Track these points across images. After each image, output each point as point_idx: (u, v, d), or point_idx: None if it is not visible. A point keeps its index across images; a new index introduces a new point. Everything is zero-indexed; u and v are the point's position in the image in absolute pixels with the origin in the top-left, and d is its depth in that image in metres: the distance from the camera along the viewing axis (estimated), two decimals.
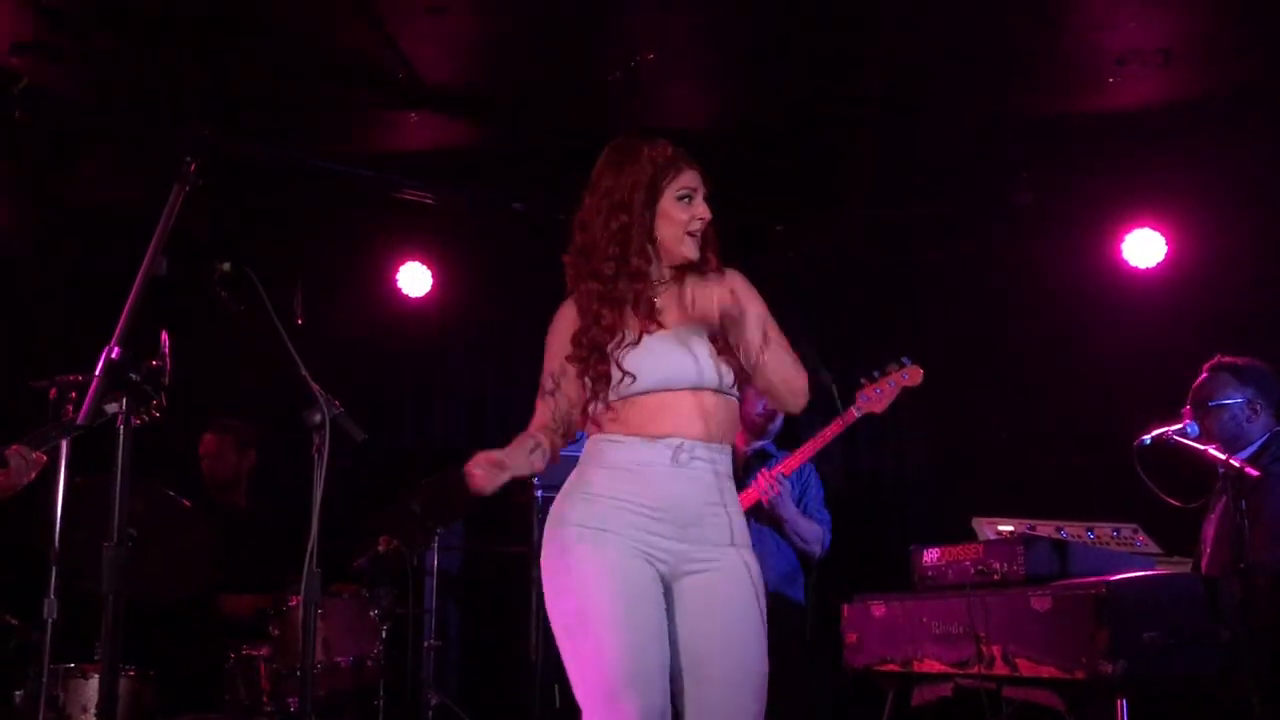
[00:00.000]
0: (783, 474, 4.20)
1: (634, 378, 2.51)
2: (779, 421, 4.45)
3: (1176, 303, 5.10)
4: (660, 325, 2.58)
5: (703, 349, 2.58)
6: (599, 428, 2.59)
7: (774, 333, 2.59)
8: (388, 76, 4.59)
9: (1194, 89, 4.73)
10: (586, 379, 2.55)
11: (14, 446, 3.21)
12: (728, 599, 2.51)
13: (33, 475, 3.25)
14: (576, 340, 2.57)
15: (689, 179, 2.60)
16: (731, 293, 2.49)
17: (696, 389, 2.55)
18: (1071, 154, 5.09)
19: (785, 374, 2.58)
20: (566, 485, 2.59)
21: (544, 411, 2.63)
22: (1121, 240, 5.24)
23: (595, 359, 2.53)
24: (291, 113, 4.83)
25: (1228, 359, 3.82)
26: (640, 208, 2.55)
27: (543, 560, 2.55)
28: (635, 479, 2.50)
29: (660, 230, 2.58)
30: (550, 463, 2.58)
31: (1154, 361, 4.85)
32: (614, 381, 2.52)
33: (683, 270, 2.62)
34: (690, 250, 2.59)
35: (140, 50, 4.31)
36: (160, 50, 4.32)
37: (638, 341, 2.54)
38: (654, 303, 2.59)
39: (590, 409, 2.57)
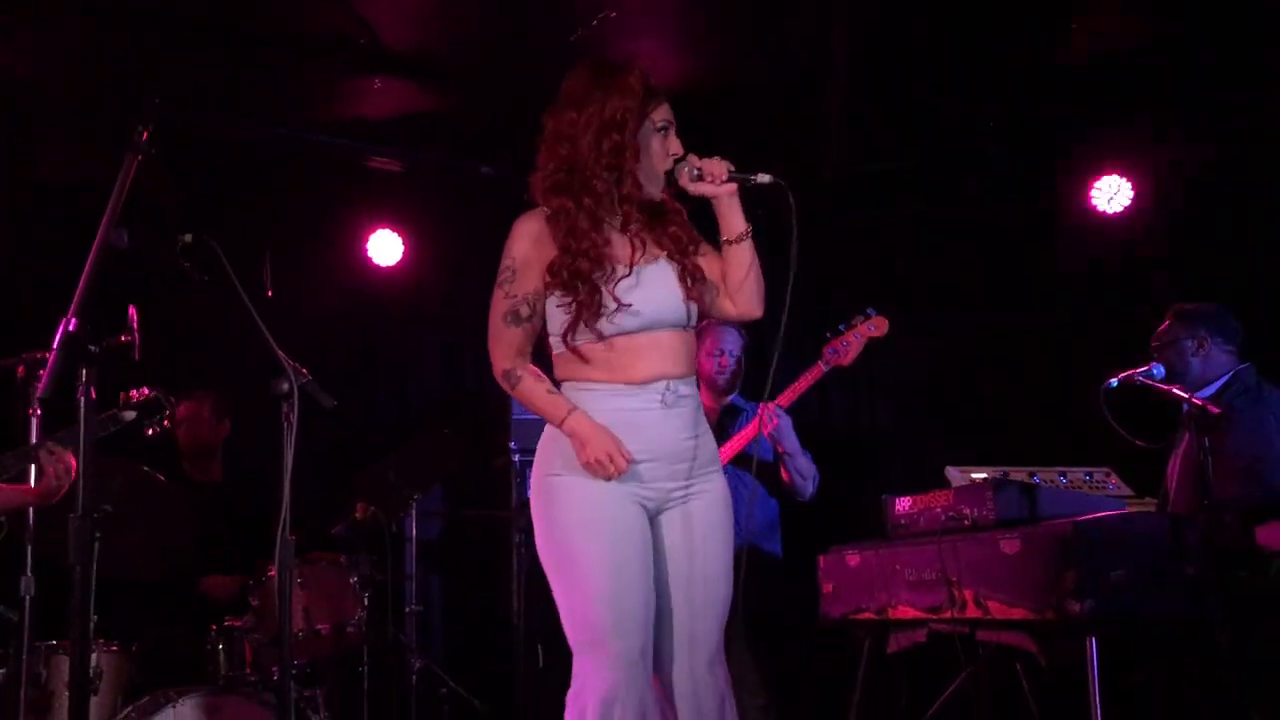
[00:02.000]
0: (780, 406, 4.14)
1: (633, 311, 2.49)
2: (738, 373, 4.40)
3: (1144, 248, 5.13)
4: (647, 257, 2.58)
5: (680, 286, 2.60)
6: (572, 372, 2.57)
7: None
8: (350, 43, 4.55)
9: (1162, 35, 4.72)
10: (569, 308, 2.51)
11: (48, 443, 3.09)
12: (707, 526, 2.58)
13: (68, 481, 3.11)
14: (559, 267, 2.51)
15: (666, 112, 2.60)
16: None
17: (676, 328, 2.58)
18: (1038, 102, 5.10)
19: (758, 274, 2.62)
20: (548, 433, 2.59)
21: (519, 337, 2.57)
22: (1090, 187, 5.26)
23: (586, 289, 2.49)
24: (254, 82, 4.79)
25: (1181, 305, 3.91)
26: (633, 129, 2.52)
27: (532, 506, 2.59)
28: (625, 426, 2.51)
29: (645, 164, 2.57)
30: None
31: (1123, 307, 4.89)
32: (607, 312, 2.50)
33: (643, 208, 2.62)
34: (657, 188, 2.59)
35: (98, 23, 4.26)
36: (119, 22, 4.27)
37: (630, 273, 2.53)
38: (643, 233, 2.59)
39: (569, 339, 2.53)
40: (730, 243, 2.61)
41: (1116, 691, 3.06)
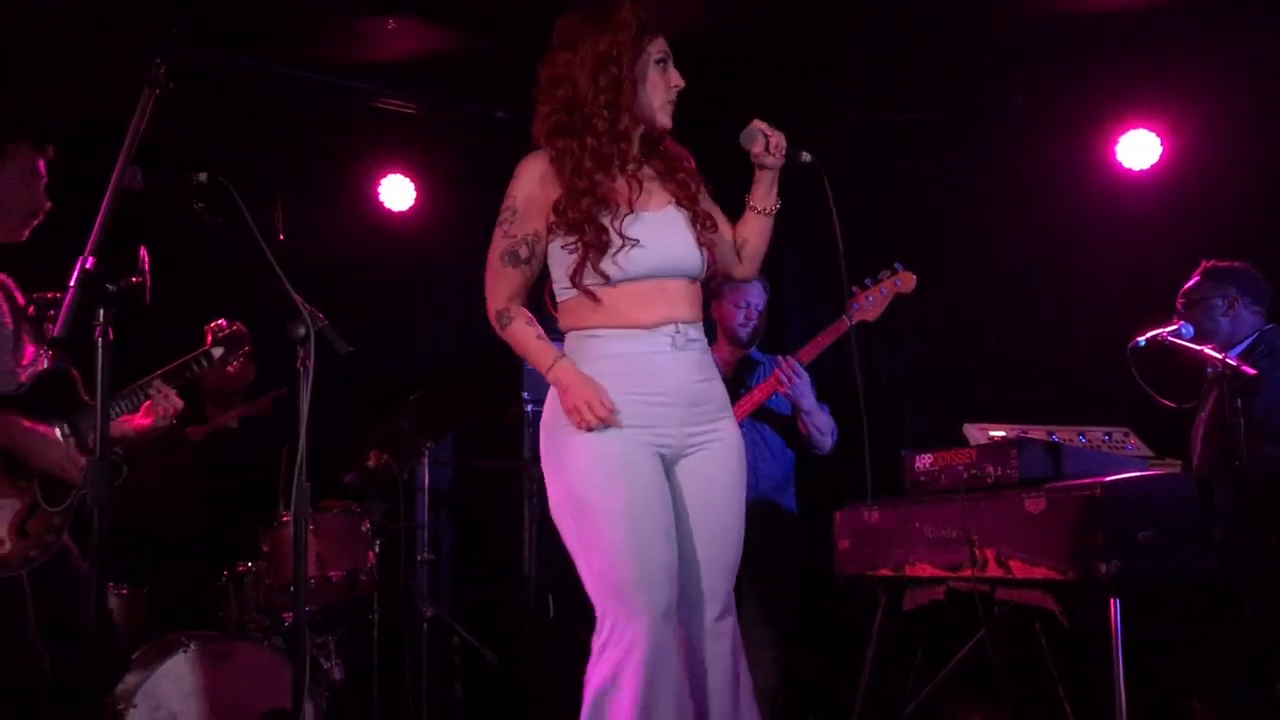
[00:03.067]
0: (800, 361, 4.09)
1: (640, 249, 2.46)
2: (760, 327, 4.35)
3: (1171, 204, 5.04)
4: (654, 201, 2.56)
5: (692, 235, 2.58)
6: (578, 320, 2.54)
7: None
8: None
9: None
10: (575, 247, 2.48)
11: (155, 382, 3.20)
12: (721, 475, 2.56)
13: (170, 419, 3.24)
14: (564, 206, 2.49)
15: (663, 44, 2.58)
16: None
17: (684, 277, 2.55)
18: (1066, 55, 4.99)
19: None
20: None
21: (516, 278, 2.56)
22: (1116, 142, 5.16)
23: (592, 229, 2.47)
24: (265, 20, 4.68)
25: (1212, 262, 3.86)
26: (629, 63, 2.50)
27: (543, 460, 2.55)
28: (637, 370, 2.48)
29: (644, 99, 2.55)
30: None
31: (1148, 264, 4.81)
32: (612, 251, 2.46)
33: (649, 148, 2.61)
34: (667, 119, 2.58)
35: None
36: None
37: (633, 214, 2.50)
38: (640, 176, 2.55)
39: (577, 280, 2.49)
40: (760, 212, 2.70)
41: (1139, 653, 3.03)
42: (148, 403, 3.19)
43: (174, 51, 2.30)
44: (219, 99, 4.92)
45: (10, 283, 3.12)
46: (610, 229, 2.47)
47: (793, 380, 4.05)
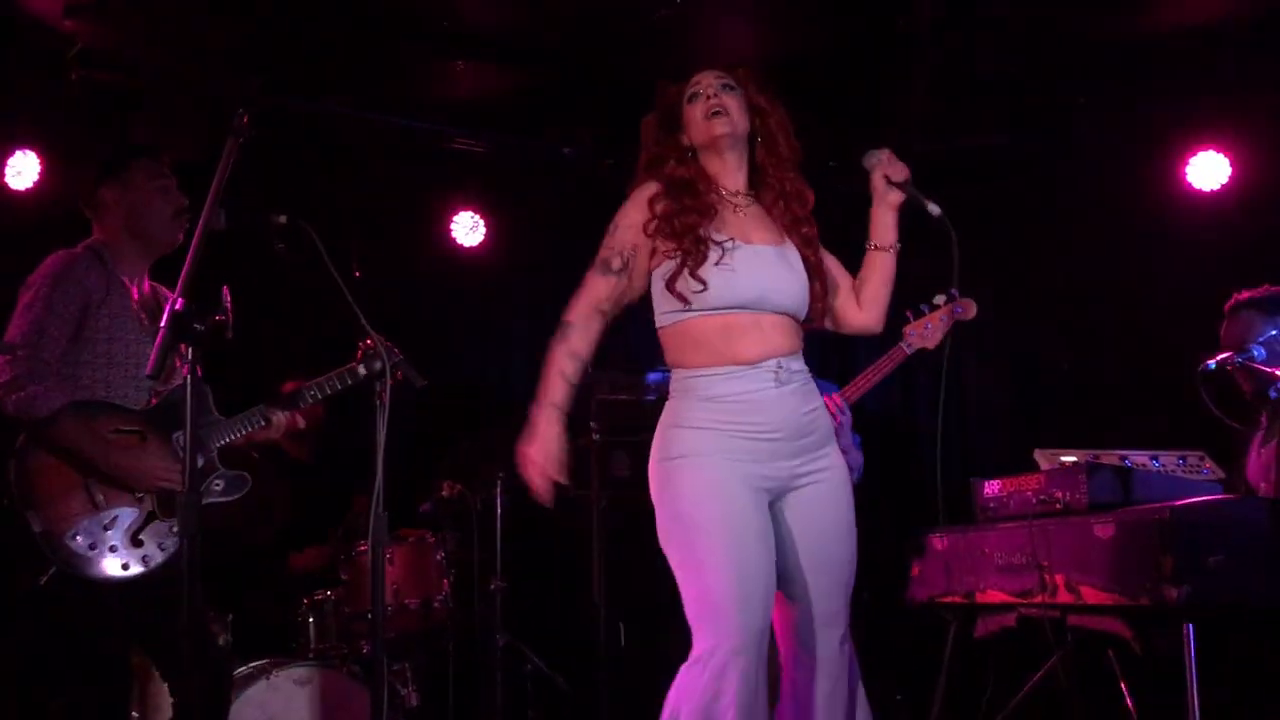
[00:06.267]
0: (847, 400, 4.06)
1: (734, 273, 2.49)
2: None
3: (1241, 224, 4.98)
4: (764, 237, 2.60)
5: (793, 273, 2.59)
6: (681, 358, 2.56)
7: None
8: (433, 25, 4.59)
9: (1259, 5, 4.57)
10: (674, 255, 2.52)
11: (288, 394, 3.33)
12: (832, 506, 2.58)
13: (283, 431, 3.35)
14: (669, 214, 2.55)
15: (694, 82, 2.66)
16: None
17: (784, 314, 2.57)
18: (1133, 76, 4.96)
19: (892, 283, 2.68)
20: (664, 418, 2.58)
21: (601, 287, 2.59)
22: (1185, 163, 5.11)
23: (690, 239, 2.51)
24: (339, 66, 4.84)
25: (1244, 294, 3.76)
26: (655, 139, 2.67)
27: (651, 490, 2.57)
28: (743, 408, 2.51)
29: (691, 137, 2.64)
30: (582, 359, 2.57)
31: (1218, 286, 4.74)
32: (711, 260, 2.50)
33: (763, 189, 2.66)
34: (718, 127, 2.59)
35: (189, 6, 4.34)
36: (210, 5, 4.35)
37: (732, 241, 2.54)
38: (732, 213, 2.61)
39: (673, 287, 2.51)
40: (880, 249, 2.67)
41: (1216, 680, 2.99)
42: (277, 416, 3.29)
43: (255, 101, 2.41)
44: (298, 141, 5.08)
45: (169, 296, 3.26)
46: (709, 242, 2.52)
47: (837, 419, 4.01)
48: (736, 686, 2.36)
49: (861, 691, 2.59)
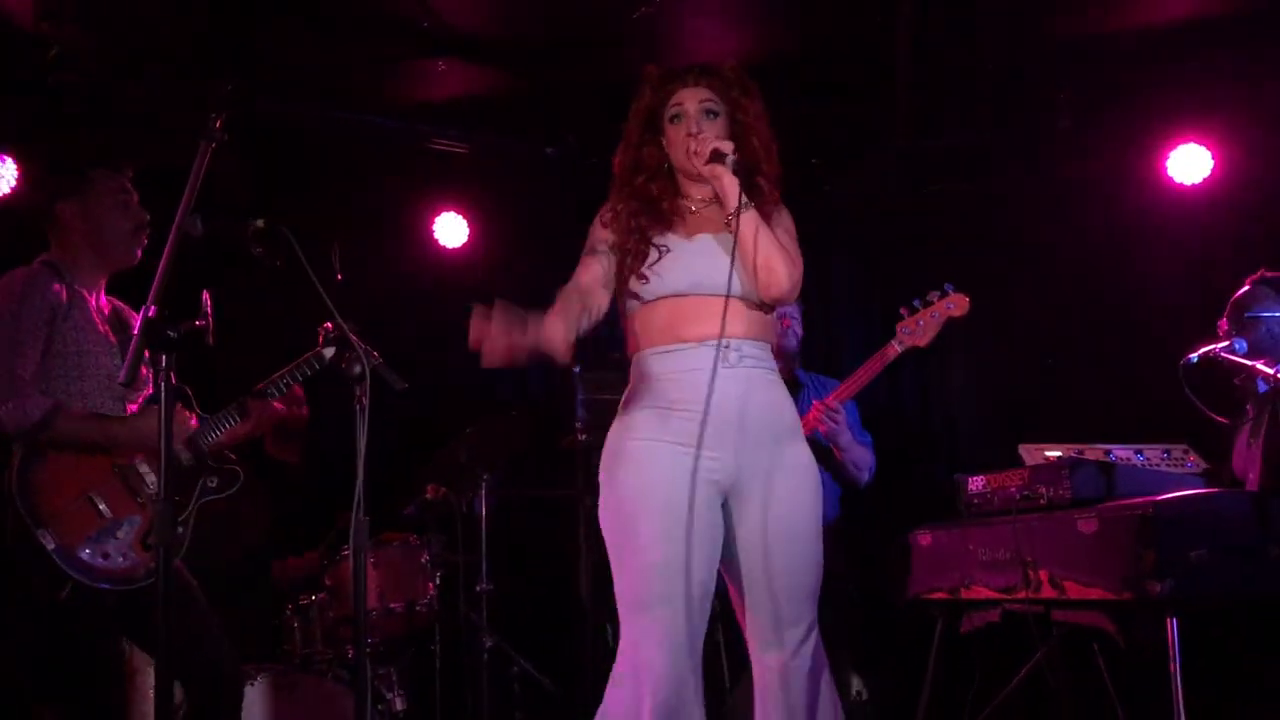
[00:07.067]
0: (837, 402, 4.02)
1: (673, 260, 2.54)
2: (795, 344, 4.34)
3: (1223, 218, 4.99)
4: (697, 228, 2.63)
5: (728, 258, 2.56)
6: (634, 344, 2.62)
7: (782, 233, 2.62)
8: (413, 25, 4.56)
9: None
10: (625, 253, 2.59)
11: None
12: (796, 499, 2.55)
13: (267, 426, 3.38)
14: (624, 214, 2.63)
15: (678, 99, 2.63)
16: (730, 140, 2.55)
17: (719, 294, 2.52)
18: (1115, 71, 4.96)
19: (767, 251, 2.53)
20: (623, 401, 2.62)
21: (584, 268, 2.63)
22: (1166, 157, 5.12)
23: (635, 239, 2.58)
24: (319, 67, 4.81)
25: (1271, 273, 3.79)
26: (637, 140, 2.65)
27: (600, 475, 2.60)
28: (679, 385, 2.51)
29: (670, 154, 2.65)
30: (565, 339, 2.49)
31: (1200, 279, 4.77)
32: (650, 261, 2.55)
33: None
34: (699, 164, 2.56)
35: (166, 10, 4.32)
36: (186, 8, 4.32)
37: (674, 234, 2.61)
38: (689, 214, 2.65)
39: (630, 283, 2.58)
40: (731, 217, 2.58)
41: (1199, 673, 2.99)
42: (253, 408, 3.30)
43: (230, 106, 2.39)
44: (275, 144, 5.06)
45: (127, 310, 3.24)
46: (649, 241, 2.58)
47: (827, 425, 4.00)
48: (654, 703, 2.36)
49: (828, 684, 2.57)
